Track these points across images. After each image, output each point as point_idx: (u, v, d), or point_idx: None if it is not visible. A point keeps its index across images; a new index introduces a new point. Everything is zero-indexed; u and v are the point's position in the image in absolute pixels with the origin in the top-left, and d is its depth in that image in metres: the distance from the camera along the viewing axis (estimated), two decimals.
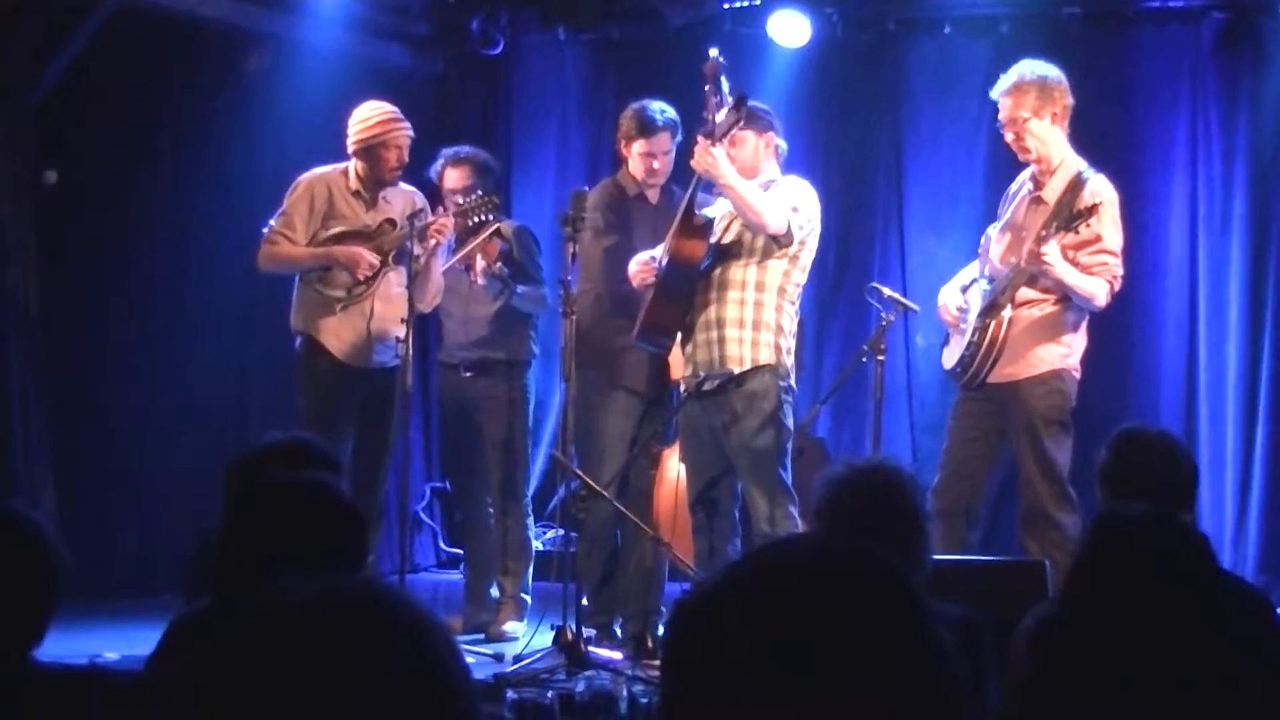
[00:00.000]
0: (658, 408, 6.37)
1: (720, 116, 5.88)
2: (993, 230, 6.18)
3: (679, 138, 6.38)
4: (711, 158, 5.83)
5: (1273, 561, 7.66)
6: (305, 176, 6.56)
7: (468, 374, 6.87)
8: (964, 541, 5.87)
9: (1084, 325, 5.97)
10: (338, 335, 6.44)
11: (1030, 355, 5.85)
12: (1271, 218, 7.84)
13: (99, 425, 7.55)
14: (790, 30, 8.13)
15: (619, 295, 6.27)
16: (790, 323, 6.01)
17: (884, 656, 1.27)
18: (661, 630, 5.55)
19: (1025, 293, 5.88)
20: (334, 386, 6.42)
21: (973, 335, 5.92)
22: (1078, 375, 5.93)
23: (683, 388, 6.07)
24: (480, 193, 6.60)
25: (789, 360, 5.99)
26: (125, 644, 5.66)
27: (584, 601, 6.17)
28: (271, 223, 6.51)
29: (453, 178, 6.85)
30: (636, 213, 6.43)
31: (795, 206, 5.95)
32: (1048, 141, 5.90)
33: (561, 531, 6.82)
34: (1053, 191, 5.90)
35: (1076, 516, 5.67)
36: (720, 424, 5.93)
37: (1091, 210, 5.67)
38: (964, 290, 6.12)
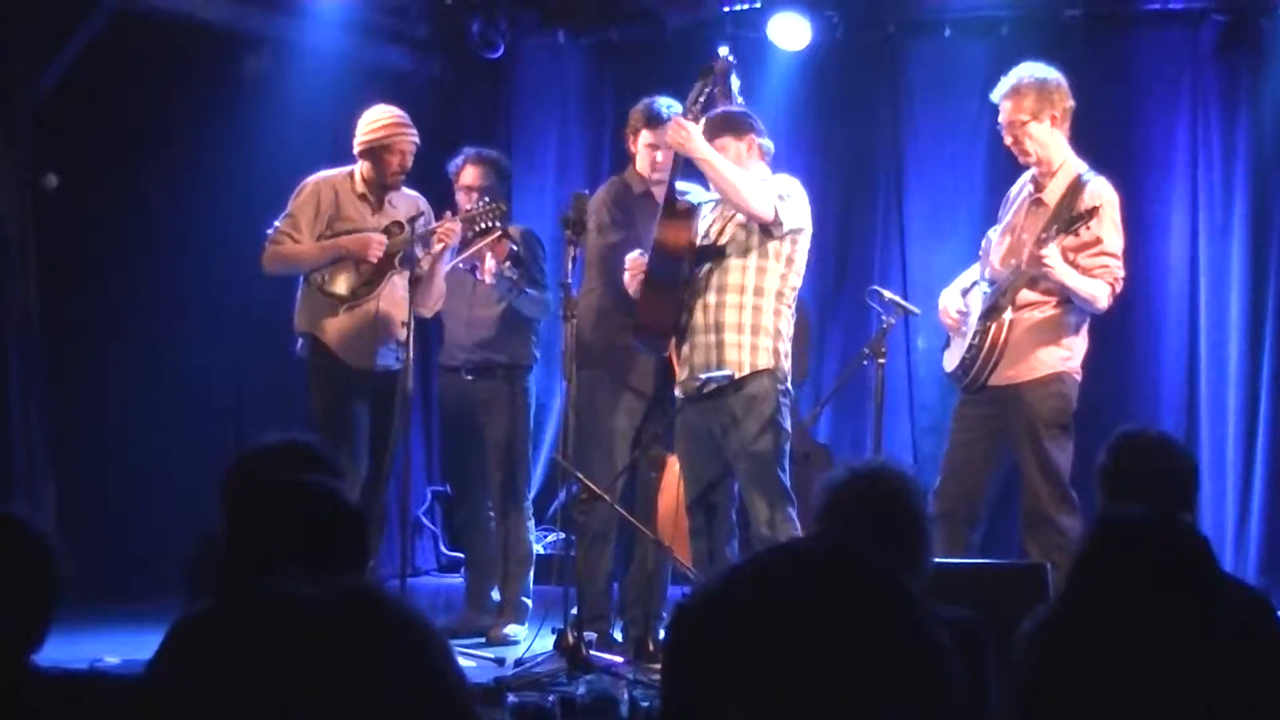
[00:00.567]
0: (661, 408, 6.35)
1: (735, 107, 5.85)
2: (993, 233, 6.18)
3: None
4: (685, 130, 5.78)
5: (1274, 563, 7.66)
6: (311, 179, 6.58)
7: (469, 377, 6.87)
8: (965, 543, 5.87)
9: (1085, 327, 5.96)
10: (342, 336, 6.45)
11: (1031, 358, 5.85)
12: (1272, 219, 7.83)
13: (99, 428, 7.55)
14: (790, 33, 8.13)
15: (624, 292, 6.21)
16: (787, 326, 5.98)
17: (883, 660, 1.27)
18: (663, 633, 5.55)
19: (1026, 295, 5.88)
20: (342, 388, 6.44)
21: (974, 338, 5.92)
22: (1079, 378, 5.93)
23: (678, 392, 6.03)
24: (489, 199, 6.61)
25: (786, 364, 5.96)
26: (126, 648, 5.66)
27: (584, 605, 6.17)
28: (276, 224, 6.52)
29: (472, 174, 6.86)
30: (642, 210, 6.40)
31: (782, 195, 5.87)
32: (1047, 144, 5.90)
33: (562, 535, 6.82)
34: (1053, 194, 5.89)
35: (1077, 519, 5.66)
36: (719, 428, 5.90)
37: (1092, 212, 5.67)
38: (964, 293, 6.12)
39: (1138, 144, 8.01)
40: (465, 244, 6.69)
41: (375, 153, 6.50)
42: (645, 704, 5.11)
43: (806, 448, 7.45)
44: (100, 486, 7.47)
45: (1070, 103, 5.94)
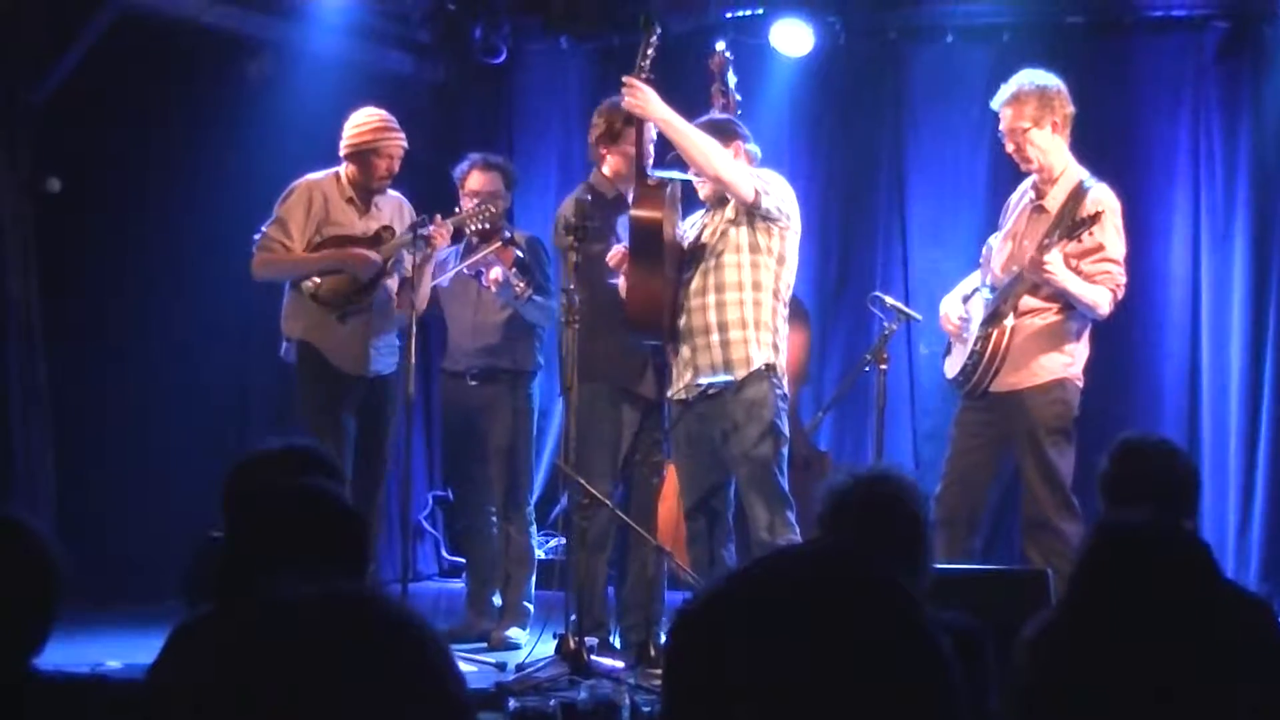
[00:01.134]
0: (658, 413, 6.32)
1: (719, 114, 5.80)
2: (994, 239, 6.18)
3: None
4: (640, 92, 5.63)
5: (1276, 570, 7.65)
6: (299, 182, 6.52)
7: (473, 382, 6.86)
8: (966, 550, 5.87)
9: (1087, 334, 5.96)
10: (333, 342, 6.41)
11: (1033, 364, 5.85)
12: (1273, 225, 7.83)
13: (99, 429, 7.55)
14: (792, 39, 8.13)
15: (612, 300, 6.13)
16: (783, 324, 5.94)
17: (883, 665, 1.27)
18: (663, 639, 5.54)
19: (1028, 301, 5.88)
20: (330, 394, 6.40)
21: (975, 344, 5.92)
22: (1080, 384, 5.93)
23: (677, 396, 5.94)
24: (490, 206, 6.59)
25: (782, 360, 5.92)
26: (127, 652, 5.65)
27: (585, 610, 6.16)
28: (264, 229, 6.45)
29: (479, 180, 6.83)
30: (616, 214, 6.34)
31: (766, 189, 5.78)
32: (1048, 151, 5.90)
33: (563, 540, 6.81)
34: (1054, 200, 5.90)
35: (1079, 525, 5.66)
36: (719, 434, 5.85)
37: (1094, 218, 5.67)
38: (966, 300, 6.12)
39: (1139, 150, 8.01)
40: (471, 250, 6.69)
41: (362, 156, 6.44)
42: (647, 709, 5.11)
43: (806, 454, 7.44)
44: (100, 487, 7.47)
45: (1071, 109, 5.94)
